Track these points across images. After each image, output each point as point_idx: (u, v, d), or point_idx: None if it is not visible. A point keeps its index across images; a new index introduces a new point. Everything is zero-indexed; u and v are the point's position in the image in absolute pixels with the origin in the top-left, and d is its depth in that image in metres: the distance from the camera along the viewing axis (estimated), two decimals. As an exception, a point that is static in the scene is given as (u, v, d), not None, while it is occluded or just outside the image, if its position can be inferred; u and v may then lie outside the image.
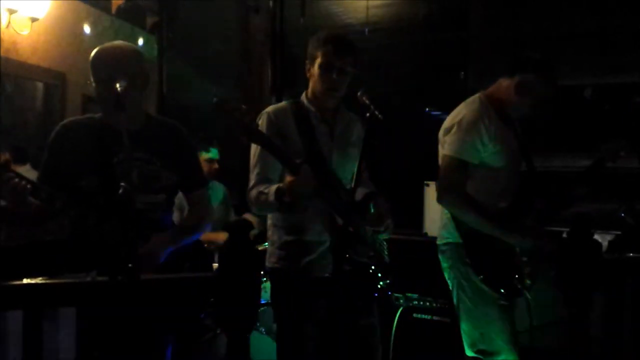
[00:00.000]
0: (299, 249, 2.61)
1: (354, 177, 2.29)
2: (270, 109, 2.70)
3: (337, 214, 2.44)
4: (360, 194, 2.70)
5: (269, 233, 2.75)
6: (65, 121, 2.50)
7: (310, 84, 2.70)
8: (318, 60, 2.61)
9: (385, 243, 2.74)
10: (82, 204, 2.26)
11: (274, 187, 2.45)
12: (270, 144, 2.35)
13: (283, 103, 2.75)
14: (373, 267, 2.61)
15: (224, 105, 2.19)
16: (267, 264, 2.73)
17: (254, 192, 2.55)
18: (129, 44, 2.51)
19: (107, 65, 2.35)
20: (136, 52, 2.47)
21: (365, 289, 2.69)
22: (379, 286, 2.66)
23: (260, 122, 2.62)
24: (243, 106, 2.23)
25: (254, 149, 2.62)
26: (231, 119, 2.19)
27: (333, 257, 2.46)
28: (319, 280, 2.54)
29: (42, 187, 2.18)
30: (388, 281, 2.64)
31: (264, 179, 2.56)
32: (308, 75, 2.70)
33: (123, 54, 2.41)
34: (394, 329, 3.77)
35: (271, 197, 2.44)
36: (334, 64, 2.58)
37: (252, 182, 2.60)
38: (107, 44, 2.44)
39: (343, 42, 2.62)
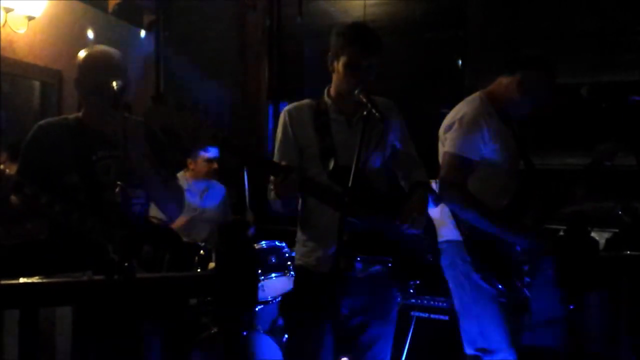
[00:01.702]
0: (317, 246, 2.60)
1: (352, 171, 2.25)
2: (288, 107, 2.69)
3: (337, 210, 2.40)
4: (407, 185, 2.69)
5: (298, 229, 2.74)
6: (41, 122, 2.58)
7: (334, 79, 2.62)
8: (343, 59, 2.51)
9: (425, 239, 2.66)
10: (65, 199, 2.33)
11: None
12: (257, 160, 2.44)
13: (304, 100, 2.71)
14: (392, 265, 2.56)
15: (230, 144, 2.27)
16: (296, 262, 2.75)
17: (269, 188, 2.57)
18: (113, 50, 2.62)
19: (91, 69, 2.48)
20: (118, 59, 2.58)
21: (383, 291, 2.66)
22: (405, 288, 2.63)
23: (279, 122, 2.68)
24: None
25: (276, 145, 2.66)
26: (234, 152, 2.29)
27: (339, 255, 2.44)
28: (327, 277, 2.48)
29: (27, 184, 2.24)
30: (417, 282, 2.60)
31: None
32: (330, 69, 2.61)
33: (104, 59, 2.53)
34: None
35: (272, 192, 2.49)
36: (360, 64, 2.49)
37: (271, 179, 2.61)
38: (93, 49, 2.57)
39: (370, 40, 2.53)
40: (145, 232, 2.51)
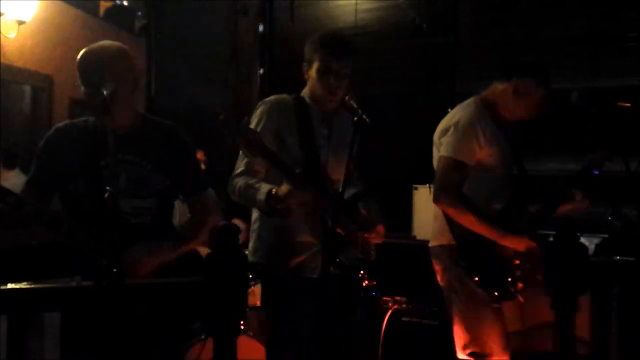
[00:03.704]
0: (288, 249, 2.59)
1: (343, 179, 2.28)
2: (272, 98, 2.69)
3: (327, 216, 2.42)
4: (348, 193, 2.70)
5: (255, 226, 2.71)
6: (60, 124, 2.45)
7: (309, 86, 2.68)
8: (315, 65, 2.59)
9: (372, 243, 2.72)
10: (68, 208, 2.23)
11: (265, 188, 2.42)
12: (272, 155, 2.35)
13: (285, 96, 2.71)
14: (362, 271, 2.60)
15: (231, 124, 2.22)
16: (252, 257, 2.68)
17: (240, 182, 2.52)
18: (115, 43, 2.44)
19: (95, 68, 2.29)
20: (123, 51, 2.41)
21: (352, 292, 2.68)
22: (363, 285, 2.66)
23: (259, 111, 2.64)
24: (246, 117, 2.27)
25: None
26: (236, 135, 2.21)
27: (322, 260, 2.46)
28: (307, 281, 2.54)
29: (10, 192, 2.12)
30: (374, 282, 2.63)
31: (251, 170, 2.54)
32: (306, 77, 2.67)
33: (110, 55, 2.35)
34: (382, 332, 3.77)
35: (261, 197, 2.41)
36: (331, 67, 2.56)
37: (239, 169, 2.56)
38: (94, 45, 2.37)
39: (340, 44, 2.61)
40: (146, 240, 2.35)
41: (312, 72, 2.61)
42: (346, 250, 2.51)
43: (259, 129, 2.55)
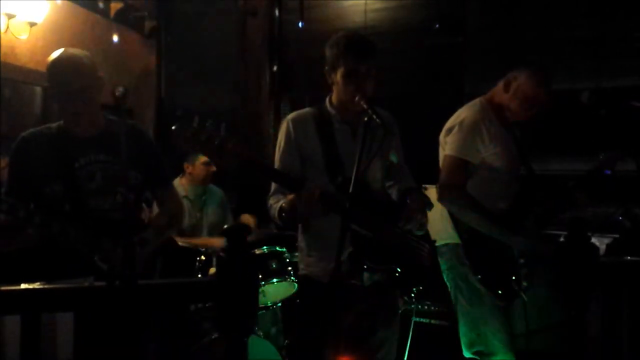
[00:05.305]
0: (324, 256, 2.58)
1: (353, 176, 2.24)
2: (291, 116, 2.67)
3: (346, 221, 2.39)
4: (396, 192, 2.69)
5: (299, 240, 2.74)
6: (24, 133, 2.55)
7: (335, 92, 2.62)
8: (341, 70, 2.51)
9: (426, 245, 2.65)
10: (44, 211, 2.29)
11: (278, 205, 2.48)
12: (264, 168, 2.37)
13: (306, 109, 2.69)
14: (399, 273, 2.55)
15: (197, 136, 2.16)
16: (300, 271, 2.73)
17: (269, 202, 2.57)
18: (82, 51, 2.58)
19: (67, 75, 2.45)
20: (90, 60, 2.55)
21: (388, 298, 2.67)
22: (408, 294, 2.64)
23: (280, 131, 2.66)
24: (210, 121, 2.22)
25: (278, 153, 2.62)
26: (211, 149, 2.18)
27: (336, 264, 2.44)
28: (344, 287, 2.50)
29: (3, 199, 2.21)
30: (421, 287, 2.61)
31: (279, 189, 2.55)
32: (330, 82, 2.61)
33: (82, 61, 2.49)
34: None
35: (275, 214, 2.49)
36: (358, 71, 2.49)
37: (271, 190, 2.59)
38: (64, 53, 2.52)
39: (364, 46, 2.53)
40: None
41: (337, 77, 2.54)
42: (378, 252, 2.47)
43: (281, 149, 2.60)
